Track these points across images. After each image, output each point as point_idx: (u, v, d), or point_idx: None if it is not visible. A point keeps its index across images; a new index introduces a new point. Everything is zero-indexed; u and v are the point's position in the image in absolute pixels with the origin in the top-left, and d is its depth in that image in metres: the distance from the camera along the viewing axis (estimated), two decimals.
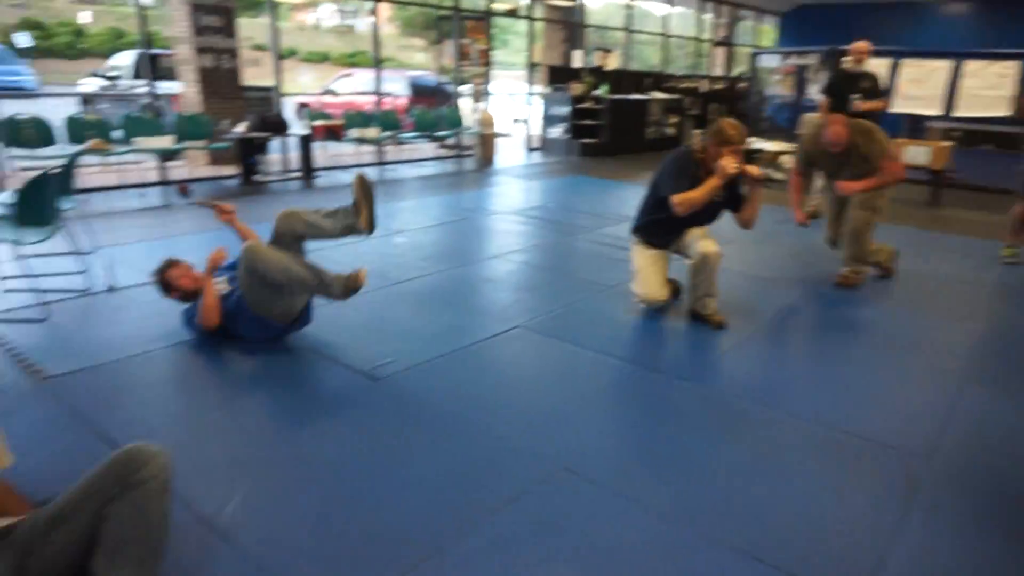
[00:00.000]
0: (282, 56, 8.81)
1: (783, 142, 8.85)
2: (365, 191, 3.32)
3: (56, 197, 3.99)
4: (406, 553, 1.99)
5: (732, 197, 3.78)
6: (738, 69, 17.03)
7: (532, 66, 11.91)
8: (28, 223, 3.73)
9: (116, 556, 1.59)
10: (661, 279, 3.92)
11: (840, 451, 2.61)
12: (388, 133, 9.22)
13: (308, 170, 8.33)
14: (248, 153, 7.77)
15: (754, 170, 3.68)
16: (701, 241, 3.76)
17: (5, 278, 4.07)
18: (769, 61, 11.86)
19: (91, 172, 7.13)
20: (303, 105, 12.49)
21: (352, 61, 27.29)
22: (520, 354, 3.48)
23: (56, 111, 6.91)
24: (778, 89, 11.35)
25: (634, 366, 3.33)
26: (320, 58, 28.11)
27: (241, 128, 7.73)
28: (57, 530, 1.59)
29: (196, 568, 1.91)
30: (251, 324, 3.27)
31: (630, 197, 7.75)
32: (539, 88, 11.79)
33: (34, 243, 3.76)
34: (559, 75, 11.68)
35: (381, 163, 9.64)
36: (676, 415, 2.89)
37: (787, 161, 8.05)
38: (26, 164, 6.16)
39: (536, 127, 11.74)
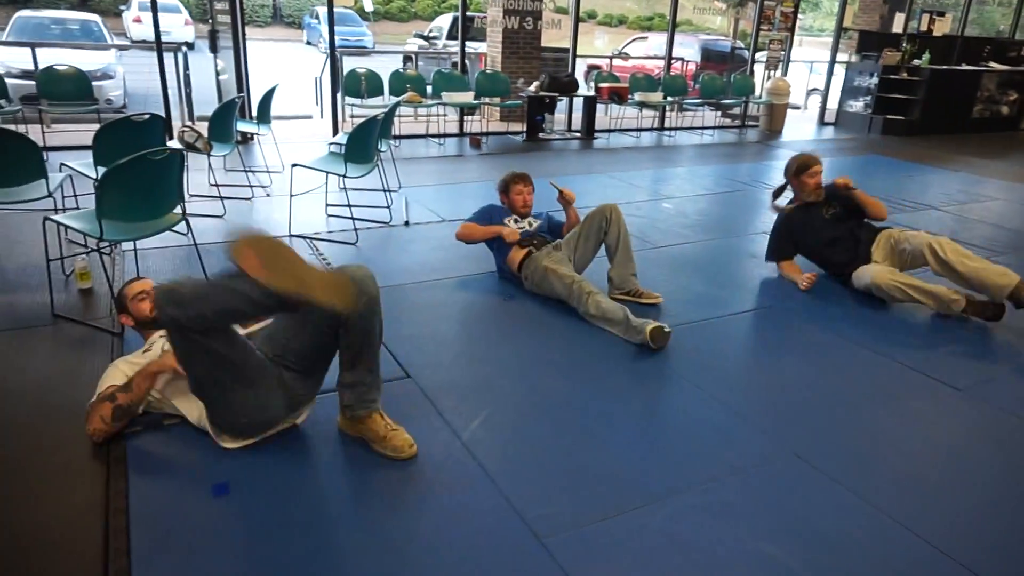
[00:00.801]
0: (579, 19, 9.12)
1: None
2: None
3: (377, 140, 4.70)
4: (623, 496, 2.11)
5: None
6: None
7: (841, 31, 10.84)
8: (354, 160, 4.44)
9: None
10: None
11: None
12: (672, 99, 9.14)
13: (590, 131, 8.62)
14: (536, 111, 8.26)
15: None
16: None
17: (331, 205, 4.92)
18: None
19: (404, 121, 8.16)
20: (593, 67, 12.83)
21: (648, 24, 27.16)
22: (768, 333, 3.36)
23: (385, 67, 7.98)
24: None
25: (898, 364, 3.03)
26: (616, 21, 28.37)
27: (533, 87, 8.23)
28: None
29: (439, 467, 2.22)
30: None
31: (934, 183, 6.85)
32: (845, 56, 10.72)
33: (357, 177, 4.48)
34: (871, 41, 10.50)
35: (661, 128, 9.61)
36: (924, 416, 2.60)
37: None
38: (357, 111, 7.25)
39: (834, 99, 10.73)
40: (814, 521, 2.05)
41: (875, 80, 9.97)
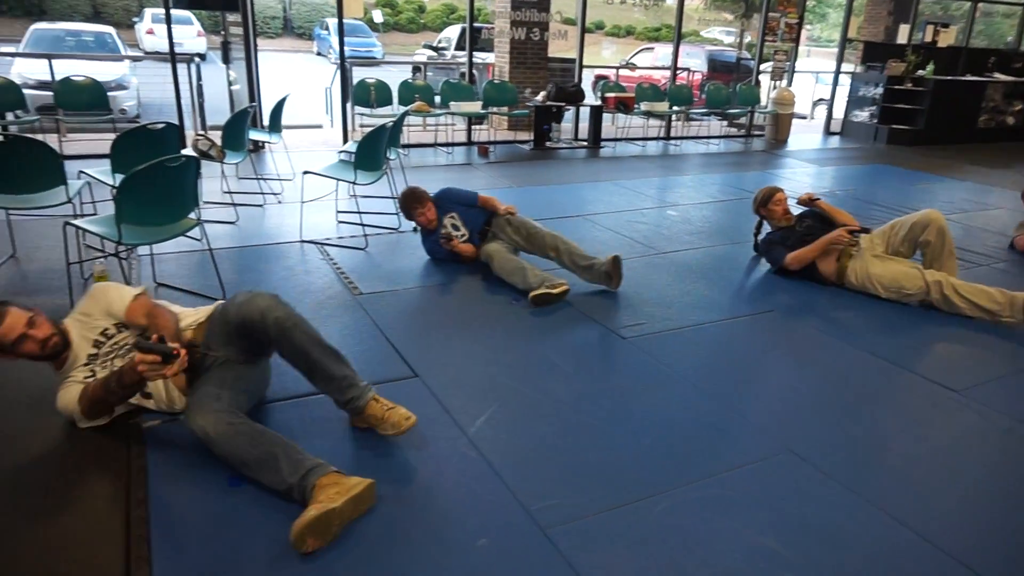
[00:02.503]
0: (587, 30, 9.23)
1: None
2: (618, 270, 3.71)
3: (385, 148, 4.79)
4: (624, 490, 2.17)
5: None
6: None
7: (846, 42, 10.92)
8: (363, 167, 4.53)
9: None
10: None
11: None
12: (678, 108, 9.22)
13: (596, 140, 8.71)
14: (543, 120, 8.36)
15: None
16: None
17: (341, 212, 5.01)
18: None
19: (412, 130, 8.27)
20: (600, 77, 12.95)
21: (655, 35, 27.32)
22: (769, 336, 3.42)
23: (394, 77, 8.10)
24: None
25: (895, 366, 3.09)
26: (624, 32, 28.55)
27: (540, 97, 8.34)
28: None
29: (446, 461, 2.29)
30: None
31: (941, 192, 6.90)
32: (850, 67, 10.80)
33: (366, 184, 4.58)
34: (877, 52, 10.57)
35: (667, 138, 9.70)
36: (920, 417, 2.66)
37: None
38: (366, 120, 7.37)
39: (839, 109, 10.80)
40: (810, 516, 2.11)
41: (880, 90, 10.04)
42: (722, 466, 2.32)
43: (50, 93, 6.50)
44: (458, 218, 4.08)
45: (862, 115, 10.40)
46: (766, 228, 4.44)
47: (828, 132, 10.88)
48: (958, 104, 10.27)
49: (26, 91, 6.38)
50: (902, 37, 10.91)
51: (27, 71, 8.30)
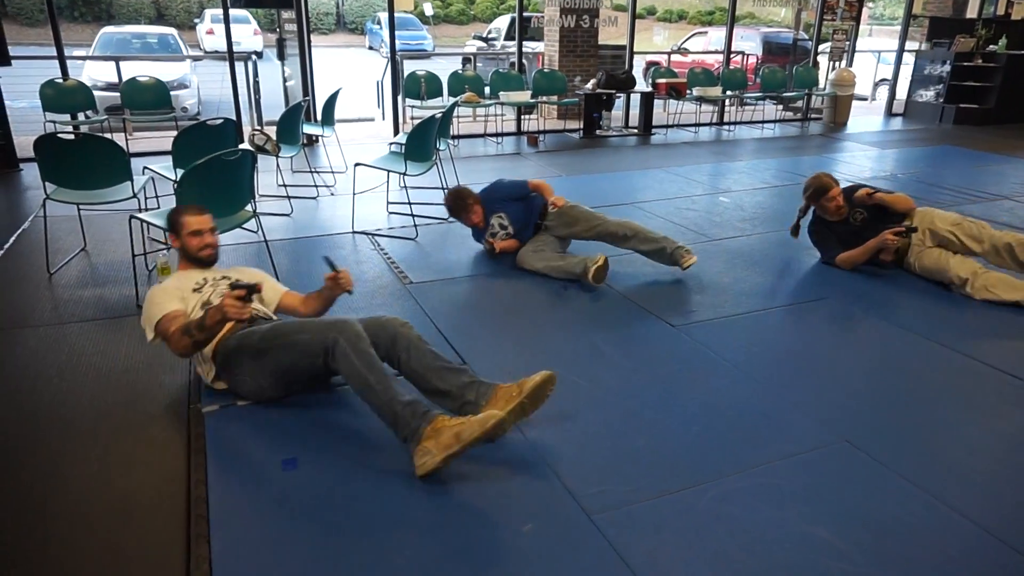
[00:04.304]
0: (638, 15, 9.11)
1: None
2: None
3: (435, 139, 4.84)
4: (672, 478, 2.16)
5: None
6: None
7: (911, 18, 10.47)
8: (413, 158, 4.59)
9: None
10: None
11: None
12: (731, 93, 9.02)
13: (647, 127, 8.60)
14: (593, 108, 8.29)
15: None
16: None
17: (391, 203, 5.09)
18: None
19: (462, 121, 8.31)
20: (651, 63, 12.76)
21: (708, 19, 26.72)
22: (824, 323, 3.33)
23: (445, 69, 8.16)
24: None
25: (959, 354, 2.97)
26: (676, 16, 28.01)
27: (590, 85, 8.27)
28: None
29: (493, 447, 2.29)
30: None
31: (1011, 173, 6.59)
32: (915, 44, 10.36)
33: (416, 175, 4.63)
34: (944, 28, 10.11)
35: (720, 123, 9.50)
36: (983, 406, 2.55)
37: None
38: (417, 112, 7.44)
39: (902, 90, 10.37)
40: (866, 507, 2.05)
41: (947, 68, 9.60)
42: (774, 455, 2.28)
43: (117, 94, 6.78)
44: (506, 217, 4.02)
45: (927, 95, 9.97)
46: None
47: (890, 113, 10.48)
48: None
49: (96, 92, 6.67)
50: (971, 11, 10.42)
51: (97, 74, 8.69)
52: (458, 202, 4.03)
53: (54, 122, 6.14)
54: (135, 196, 3.84)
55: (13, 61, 5.95)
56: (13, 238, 4.37)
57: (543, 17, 9.08)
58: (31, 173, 5.97)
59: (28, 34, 19.14)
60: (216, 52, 14.16)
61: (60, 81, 6.33)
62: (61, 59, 6.51)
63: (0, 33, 5.76)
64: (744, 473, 2.18)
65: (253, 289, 2.28)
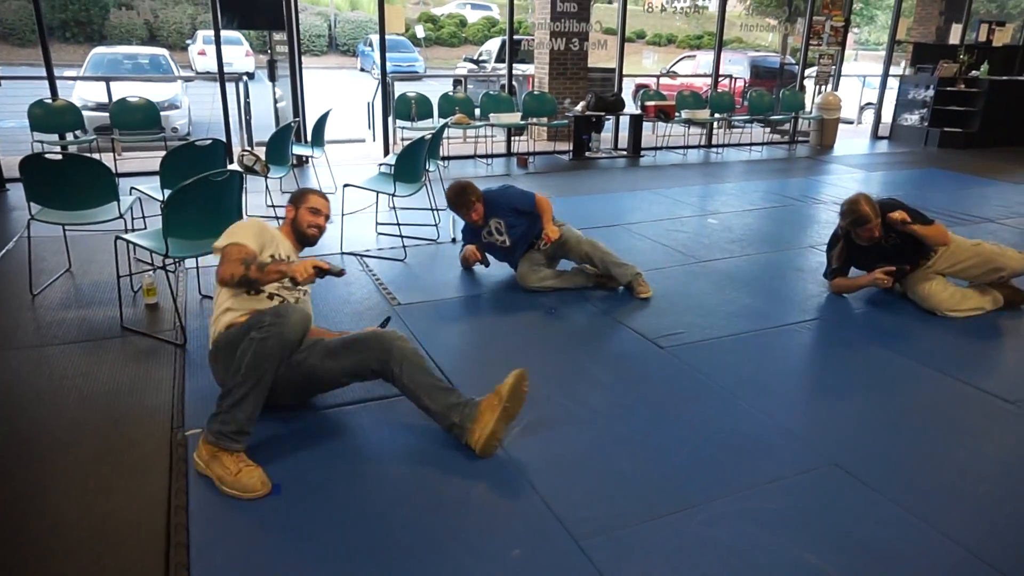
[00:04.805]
0: (628, 39, 9.20)
1: None
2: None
3: (425, 160, 4.85)
4: (660, 501, 2.14)
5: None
6: None
7: (895, 43, 10.64)
8: (402, 179, 4.59)
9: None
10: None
11: None
12: (719, 115, 9.11)
13: (636, 149, 8.66)
14: (583, 130, 8.35)
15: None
16: None
17: (380, 224, 5.08)
18: None
19: (452, 142, 8.34)
20: (641, 86, 12.88)
21: (697, 43, 27.06)
22: (813, 345, 3.34)
23: (436, 91, 8.20)
24: None
25: (947, 376, 2.97)
26: (665, 40, 28.36)
27: (579, 107, 8.33)
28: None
29: (482, 470, 2.28)
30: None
31: (993, 196, 6.66)
32: (899, 69, 10.52)
33: (405, 196, 4.63)
34: (927, 54, 10.29)
35: (709, 146, 9.58)
36: (973, 429, 2.55)
37: None
38: (407, 133, 7.46)
39: (887, 113, 10.51)
40: (856, 531, 2.04)
41: (931, 92, 9.75)
42: (763, 479, 2.26)
43: (107, 114, 6.77)
44: (503, 224, 4.00)
45: (912, 118, 10.11)
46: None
47: (876, 136, 10.61)
48: (1015, 105, 9.88)
49: (85, 112, 6.65)
50: (954, 37, 10.60)
51: (87, 94, 8.67)
52: (461, 197, 3.99)
53: (42, 142, 6.11)
54: (121, 216, 3.81)
55: (2, 82, 5.94)
56: None
57: (533, 40, 9.17)
58: (16, 194, 5.93)
59: (19, 54, 19.13)
60: (208, 73, 14.20)
61: (49, 101, 6.32)
62: (51, 79, 6.50)
63: None
64: (733, 497, 2.17)
65: (335, 273, 2.31)
